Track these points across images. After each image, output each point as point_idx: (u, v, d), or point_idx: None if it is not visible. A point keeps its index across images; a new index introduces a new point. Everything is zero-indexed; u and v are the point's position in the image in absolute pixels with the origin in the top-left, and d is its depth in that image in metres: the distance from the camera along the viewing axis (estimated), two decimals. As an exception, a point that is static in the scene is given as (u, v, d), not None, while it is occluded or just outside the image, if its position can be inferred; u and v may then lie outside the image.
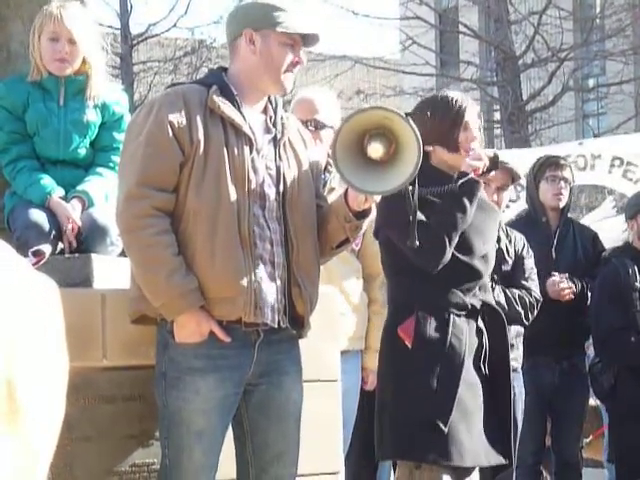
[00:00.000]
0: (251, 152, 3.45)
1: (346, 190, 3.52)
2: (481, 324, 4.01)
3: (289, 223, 3.49)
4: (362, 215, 3.50)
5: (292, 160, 3.56)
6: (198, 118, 3.40)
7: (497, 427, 3.98)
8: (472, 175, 3.93)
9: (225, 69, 3.63)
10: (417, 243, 3.71)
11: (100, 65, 4.18)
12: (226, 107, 3.44)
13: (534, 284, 5.14)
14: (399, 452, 3.99)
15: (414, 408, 3.86)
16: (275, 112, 3.59)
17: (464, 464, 3.87)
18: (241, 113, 3.47)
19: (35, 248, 3.70)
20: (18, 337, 1.34)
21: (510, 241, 5.18)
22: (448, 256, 3.87)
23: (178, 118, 3.39)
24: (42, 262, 3.65)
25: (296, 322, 3.51)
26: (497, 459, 3.98)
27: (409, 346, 3.86)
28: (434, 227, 3.87)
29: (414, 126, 3.37)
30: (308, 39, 3.55)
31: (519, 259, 5.17)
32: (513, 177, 5.27)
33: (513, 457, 4.05)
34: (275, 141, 3.54)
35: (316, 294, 3.57)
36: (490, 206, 4.21)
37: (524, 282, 5.11)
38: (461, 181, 3.91)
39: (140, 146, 3.40)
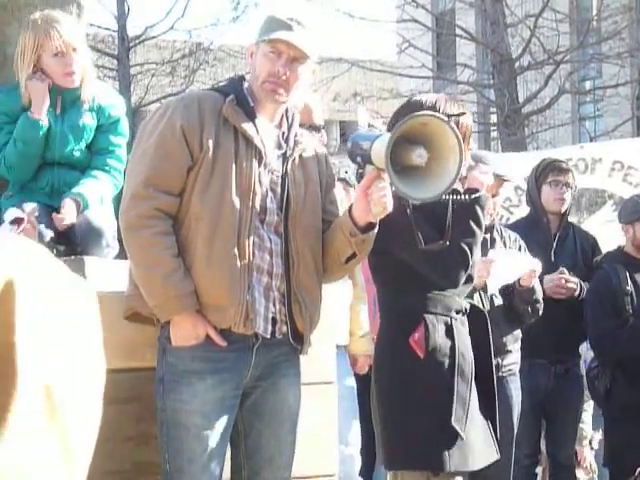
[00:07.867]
0: (259, 165, 3.44)
1: (351, 205, 3.50)
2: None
3: (290, 240, 3.46)
4: (367, 229, 3.47)
5: (300, 178, 3.52)
6: (211, 125, 3.40)
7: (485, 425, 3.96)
8: (483, 191, 3.95)
9: (244, 78, 3.60)
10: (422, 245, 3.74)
11: (90, 68, 4.21)
12: (240, 117, 3.43)
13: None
14: (414, 462, 3.89)
15: (428, 417, 3.80)
16: (290, 128, 3.56)
17: (476, 467, 3.87)
18: (255, 125, 3.46)
19: (13, 217, 3.68)
20: (58, 343, 1.35)
21: (505, 243, 5.19)
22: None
23: (190, 123, 3.38)
24: (23, 226, 3.63)
25: (297, 337, 3.50)
26: (494, 456, 3.96)
27: (421, 356, 3.82)
28: (454, 241, 3.86)
29: (456, 130, 3.32)
30: (298, 53, 3.45)
31: None
32: (504, 181, 5.33)
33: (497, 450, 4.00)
34: (284, 157, 3.51)
35: (317, 311, 3.54)
36: None
37: None
38: (474, 195, 3.92)
39: (150, 147, 3.41)
